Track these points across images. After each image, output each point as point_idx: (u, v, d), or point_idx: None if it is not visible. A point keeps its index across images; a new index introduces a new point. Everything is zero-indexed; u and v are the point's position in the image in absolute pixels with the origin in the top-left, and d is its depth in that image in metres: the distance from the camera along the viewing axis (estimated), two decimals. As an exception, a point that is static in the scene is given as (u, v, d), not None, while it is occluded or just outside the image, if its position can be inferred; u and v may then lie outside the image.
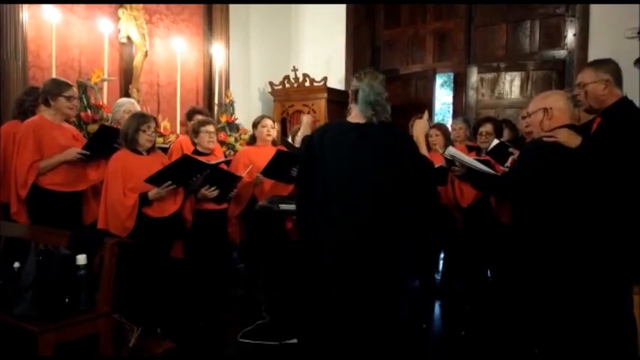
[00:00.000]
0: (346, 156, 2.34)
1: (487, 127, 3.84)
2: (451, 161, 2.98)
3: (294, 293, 3.46)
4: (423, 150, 2.50)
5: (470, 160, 2.81)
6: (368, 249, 2.28)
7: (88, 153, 3.10)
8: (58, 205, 3.06)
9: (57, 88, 3.11)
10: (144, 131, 3.10)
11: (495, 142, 3.63)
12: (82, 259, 2.41)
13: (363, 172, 2.30)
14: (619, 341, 2.18)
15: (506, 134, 4.17)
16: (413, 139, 2.49)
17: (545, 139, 2.27)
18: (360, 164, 2.31)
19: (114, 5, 4.60)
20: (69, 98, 3.13)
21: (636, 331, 2.28)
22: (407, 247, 2.62)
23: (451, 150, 2.89)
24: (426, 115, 2.63)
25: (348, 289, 2.31)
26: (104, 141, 3.16)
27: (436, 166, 3.58)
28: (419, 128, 2.57)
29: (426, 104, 5.98)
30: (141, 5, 4.73)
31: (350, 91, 2.47)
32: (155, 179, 3.02)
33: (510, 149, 3.32)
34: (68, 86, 3.17)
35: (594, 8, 4.87)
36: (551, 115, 2.31)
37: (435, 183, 2.50)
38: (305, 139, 2.78)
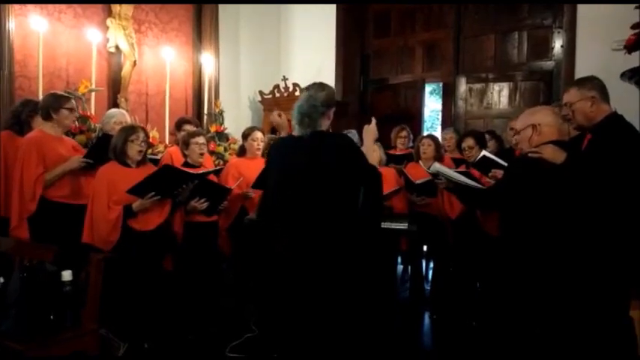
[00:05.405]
0: (288, 170, 2.35)
1: (469, 142, 3.89)
2: (436, 174, 2.99)
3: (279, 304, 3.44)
4: (372, 156, 2.45)
5: (455, 174, 2.83)
6: (318, 264, 2.28)
7: (91, 161, 3.12)
8: (62, 219, 3.06)
9: (58, 101, 3.16)
10: (132, 141, 3.07)
11: (483, 153, 3.64)
12: (67, 275, 2.38)
13: (304, 185, 2.28)
14: (615, 348, 2.18)
15: (491, 145, 4.19)
16: (353, 147, 2.39)
17: (530, 154, 2.29)
18: (300, 177, 2.30)
19: (102, 14, 4.57)
20: (71, 110, 3.19)
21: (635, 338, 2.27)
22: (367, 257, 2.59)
23: (436, 166, 2.90)
24: (374, 122, 2.59)
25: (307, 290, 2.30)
26: (105, 149, 3.15)
27: (426, 179, 3.63)
28: (368, 135, 2.54)
29: (415, 113, 6.04)
30: (130, 14, 4.70)
31: None
32: (137, 190, 2.98)
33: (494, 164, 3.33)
34: (68, 99, 3.23)
35: (581, 20, 4.92)
36: (539, 130, 2.34)
37: (378, 189, 2.46)
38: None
